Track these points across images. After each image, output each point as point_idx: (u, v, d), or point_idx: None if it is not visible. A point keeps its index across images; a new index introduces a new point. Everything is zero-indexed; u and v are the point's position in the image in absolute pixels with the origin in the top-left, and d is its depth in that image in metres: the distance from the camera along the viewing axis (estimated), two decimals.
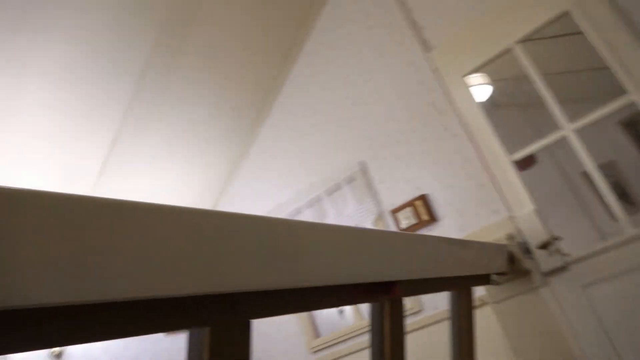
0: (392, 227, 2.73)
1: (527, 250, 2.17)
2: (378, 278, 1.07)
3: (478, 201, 2.41)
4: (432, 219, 2.56)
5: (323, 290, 0.94)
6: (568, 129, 2.16)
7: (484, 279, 2.00)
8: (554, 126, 2.21)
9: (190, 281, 0.53)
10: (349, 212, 2.94)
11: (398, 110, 2.77)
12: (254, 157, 3.48)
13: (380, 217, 2.79)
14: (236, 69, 3.06)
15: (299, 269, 0.75)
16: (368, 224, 2.85)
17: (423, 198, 2.59)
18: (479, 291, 2.23)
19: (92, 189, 2.84)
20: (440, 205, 2.58)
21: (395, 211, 2.69)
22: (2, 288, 0.38)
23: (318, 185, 3.10)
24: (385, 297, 1.18)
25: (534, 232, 2.15)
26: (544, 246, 2.10)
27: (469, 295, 1.68)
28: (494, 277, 2.13)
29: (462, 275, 1.65)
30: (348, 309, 3.04)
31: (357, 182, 2.91)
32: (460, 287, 1.62)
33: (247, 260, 0.63)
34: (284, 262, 0.71)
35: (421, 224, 2.58)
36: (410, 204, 2.63)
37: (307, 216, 3.14)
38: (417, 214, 2.59)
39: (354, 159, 2.94)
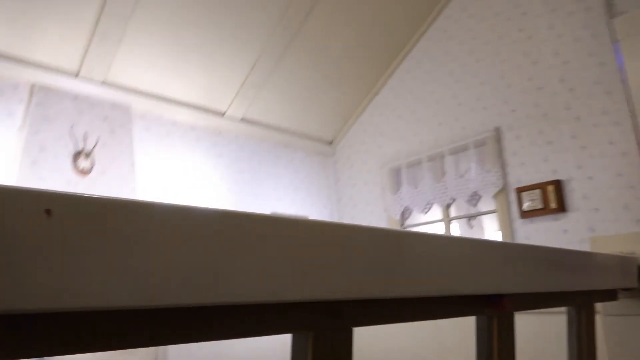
0: (513, 206, 2.54)
1: None
2: (485, 290, 1.01)
3: (621, 204, 2.12)
4: (561, 208, 2.32)
5: (427, 300, 0.91)
6: None
7: (609, 295, 1.82)
8: None
9: (299, 288, 0.54)
10: (470, 177, 2.78)
11: (555, 80, 2.45)
12: (383, 97, 3.39)
13: (502, 191, 2.60)
14: (379, 9, 2.90)
15: (403, 279, 0.73)
16: (488, 194, 2.68)
17: (557, 184, 2.35)
18: None
19: (228, 106, 3.00)
20: (574, 196, 2.32)
21: (520, 190, 2.49)
22: (152, 290, 0.42)
23: (443, 141, 2.95)
24: (494, 311, 1.12)
25: None
26: None
27: (591, 313, 1.54)
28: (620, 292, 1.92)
29: (582, 290, 1.51)
30: None
31: (487, 148, 2.71)
32: (580, 303, 1.48)
33: (352, 268, 0.62)
34: (388, 271, 0.69)
35: (546, 210, 2.36)
36: (540, 186, 2.40)
37: (425, 169, 3.04)
38: (545, 199, 2.37)
39: (490, 122, 2.72)
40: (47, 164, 2.18)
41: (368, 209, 3.40)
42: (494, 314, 1.09)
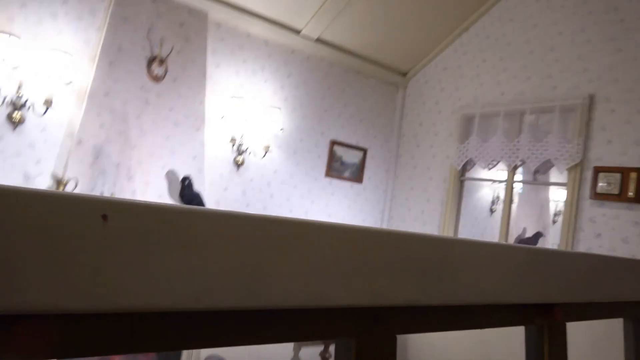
0: (586, 184, 2.36)
1: None
2: (536, 299, 0.97)
3: None
4: (638, 199, 2.13)
5: (474, 309, 0.88)
6: None
7: None
8: None
9: (343, 293, 0.53)
10: (547, 143, 2.58)
11: None
12: (472, 35, 3.11)
13: (578, 165, 2.41)
14: None
15: (449, 287, 0.70)
16: (561, 166, 2.50)
17: None
18: None
19: (305, 24, 2.87)
20: None
21: (599, 170, 2.30)
22: (200, 293, 0.42)
23: (527, 98, 2.72)
24: (544, 321, 1.08)
25: None
26: None
27: None
28: None
29: None
30: None
31: (574, 116, 2.48)
32: (638, 315, 1.41)
33: (396, 274, 0.60)
34: (434, 278, 0.66)
35: (621, 197, 2.18)
36: (622, 170, 2.20)
37: (500, 124, 2.85)
38: (624, 185, 2.18)
39: (585, 88, 2.46)
40: (123, 66, 2.21)
41: (430, 151, 3.29)
42: (545, 324, 1.06)
